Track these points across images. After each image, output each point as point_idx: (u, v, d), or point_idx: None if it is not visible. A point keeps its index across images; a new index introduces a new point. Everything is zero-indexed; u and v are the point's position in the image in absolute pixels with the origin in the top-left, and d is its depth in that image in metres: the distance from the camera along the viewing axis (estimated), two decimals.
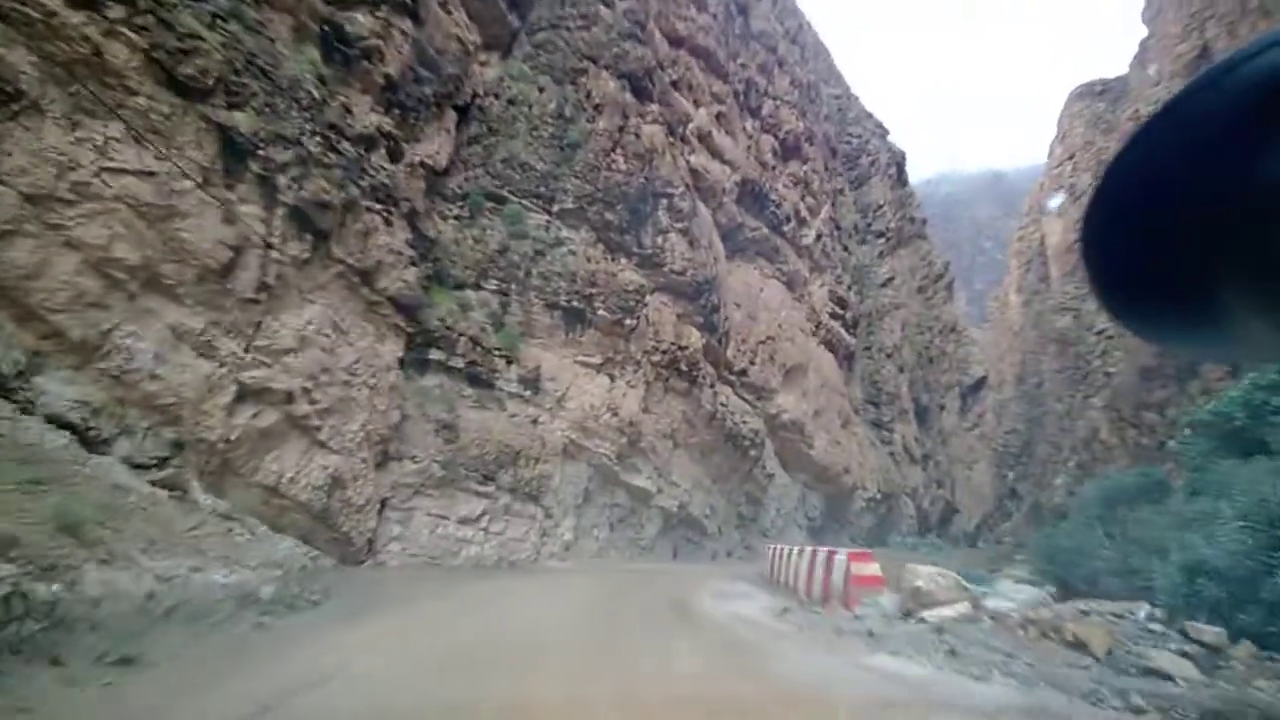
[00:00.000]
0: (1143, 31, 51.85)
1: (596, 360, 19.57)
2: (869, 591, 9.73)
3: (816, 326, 30.32)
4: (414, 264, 15.51)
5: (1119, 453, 24.71)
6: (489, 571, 15.09)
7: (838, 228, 33.83)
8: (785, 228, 28.21)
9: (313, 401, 12.22)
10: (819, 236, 31.51)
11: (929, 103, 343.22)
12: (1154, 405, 22.61)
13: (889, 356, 38.47)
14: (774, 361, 26.82)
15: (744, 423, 24.14)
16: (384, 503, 14.34)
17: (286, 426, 11.74)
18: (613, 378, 19.91)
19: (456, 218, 18.80)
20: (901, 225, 44.91)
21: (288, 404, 11.70)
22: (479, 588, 11.61)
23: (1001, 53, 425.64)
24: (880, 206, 42.34)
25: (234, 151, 10.71)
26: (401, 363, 15.37)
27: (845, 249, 35.52)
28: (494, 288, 18.45)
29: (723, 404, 23.32)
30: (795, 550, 13.28)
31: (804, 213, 29.91)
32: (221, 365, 10.59)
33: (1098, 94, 67.49)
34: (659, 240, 21.47)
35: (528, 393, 18.12)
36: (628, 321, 19.71)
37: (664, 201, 21.72)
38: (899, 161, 46.87)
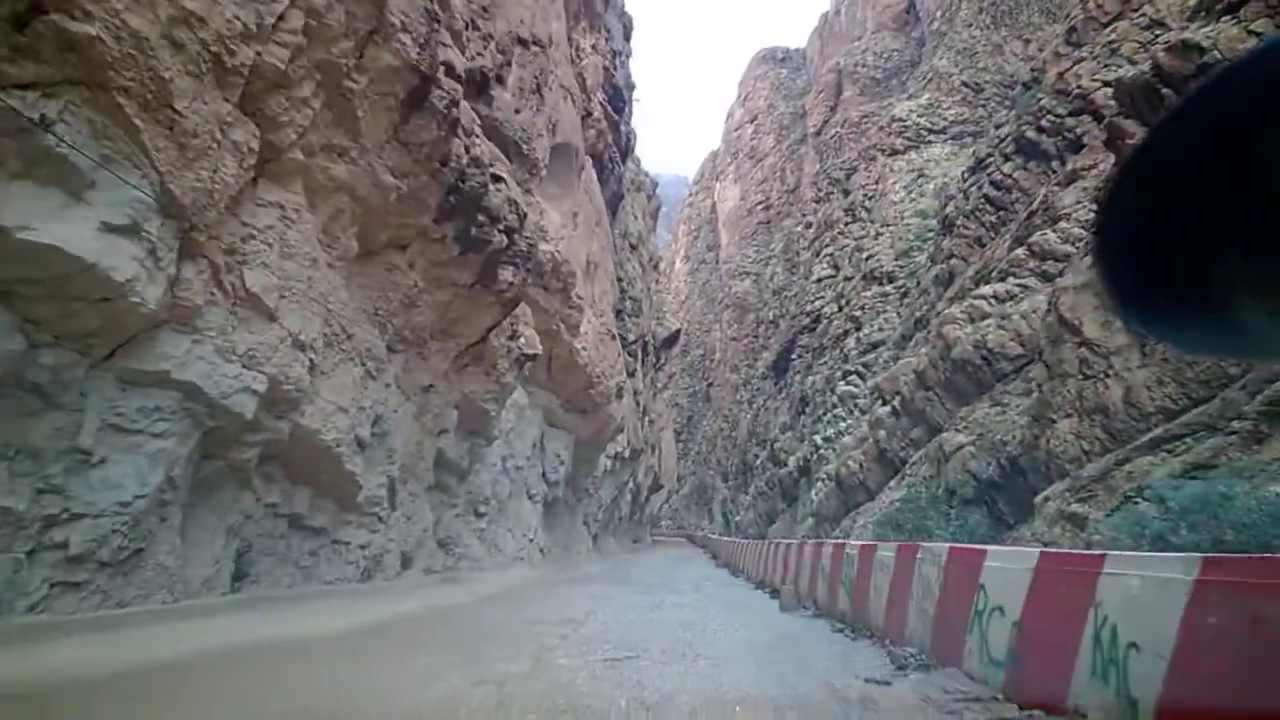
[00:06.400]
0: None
1: None
2: None
3: (586, 115, 15.88)
4: None
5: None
6: None
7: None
8: None
9: None
10: None
11: None
12: None
13: (634, 248, 26.07)
14: (542, 102, 11.51)
15: (487, 166, 8.36)
16: None
17: None
18: None
19: None
20: (631, 111, 33.32)
21: None
22: None
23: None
24: (619, 53, 29.95)
25: None
26: None
27: (609, 40, 21.87)
28: None
29: (447, 67, 7.25)
30: None
31: None
32: None
33: (780, 60, 67.63)
34: None
35: None
36: None
37: None
38: (628, 25, 35.36)
